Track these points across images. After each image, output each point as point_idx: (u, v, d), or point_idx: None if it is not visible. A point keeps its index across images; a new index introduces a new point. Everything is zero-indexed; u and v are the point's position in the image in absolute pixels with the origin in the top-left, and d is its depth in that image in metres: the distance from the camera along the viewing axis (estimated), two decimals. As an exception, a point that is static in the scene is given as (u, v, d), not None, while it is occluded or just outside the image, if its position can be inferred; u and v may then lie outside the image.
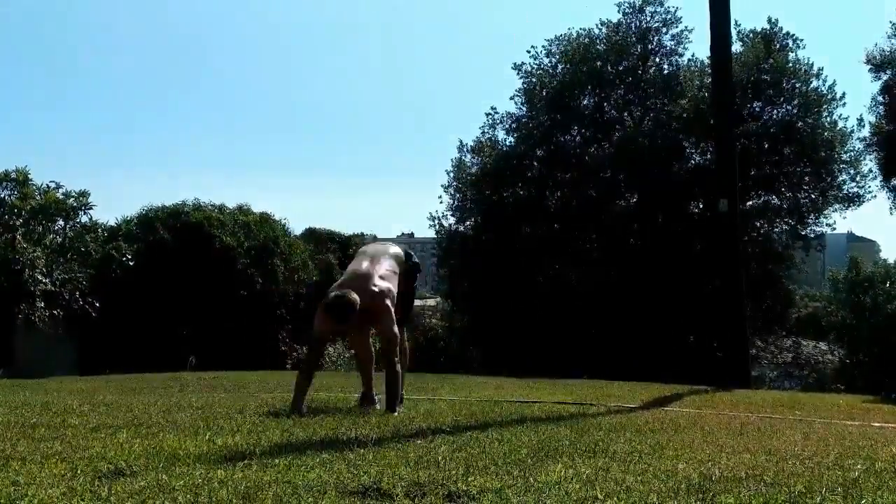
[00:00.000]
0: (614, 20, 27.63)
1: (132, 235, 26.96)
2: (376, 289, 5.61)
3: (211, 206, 28.68)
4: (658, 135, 25.63)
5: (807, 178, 25.70)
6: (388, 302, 5.63)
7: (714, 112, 14.99)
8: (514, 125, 28.04)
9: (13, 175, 22.98)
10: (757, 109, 25.93)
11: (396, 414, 5.45)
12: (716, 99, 13.85)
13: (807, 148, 24.90)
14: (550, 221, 26.40)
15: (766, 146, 25.47)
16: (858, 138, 25.16)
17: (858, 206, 25.56)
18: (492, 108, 28.18)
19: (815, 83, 25.40)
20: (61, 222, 24.23)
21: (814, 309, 32.27)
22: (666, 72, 27.67)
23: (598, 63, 27.37)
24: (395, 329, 5.69)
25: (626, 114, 28.02)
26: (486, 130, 28.28)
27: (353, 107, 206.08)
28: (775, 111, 25.91)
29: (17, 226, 22.77)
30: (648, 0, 27.35)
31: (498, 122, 28.16)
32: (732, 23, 16.52)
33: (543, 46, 27.85)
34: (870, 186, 25.27)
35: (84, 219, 24.44)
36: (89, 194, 24.06)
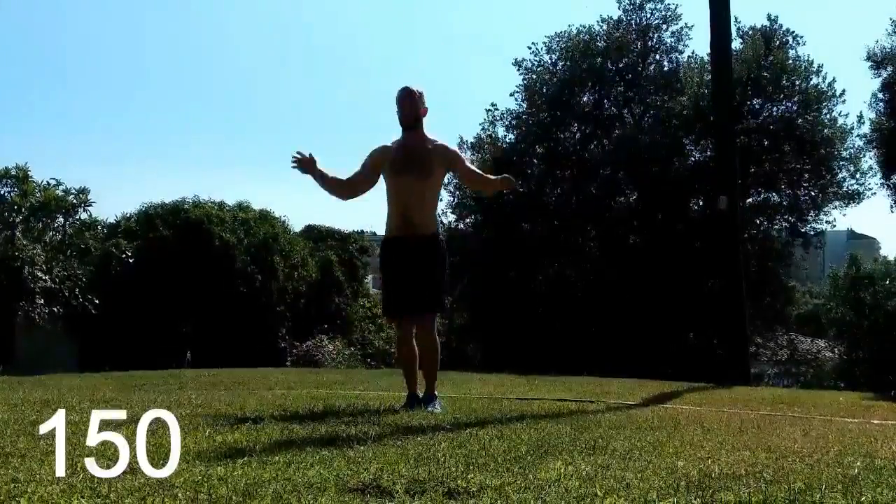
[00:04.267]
0: (615, 17, 27.68)
1: (132, 232, 26.97)
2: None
3: (211, 203, 28.67)
4: (658, 132, 25.63)
5: (806, 176, 25.72)
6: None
7: (714, 109, 14.99)
8: (513, 122, 28.06)
9: (13, 172, 22.99)
10: (757, 106, 25.94)
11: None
12: (716, 96, 13.85)
13: (807, 145, 24.91)
14: (550, 219, 26.43)
15: (766, 143, 25.48)
16: (858, 135, 25.18)
17: (858, 203, 25.59)
18: (492, 105, 28.25)
19: (814, 80, 25.44)
20: (61, 219, 24.27)
21: (814, 306, 32.30)
22: (666, 69, 27.69)
23: (598, 60, 27.37)
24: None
25: (625, 111, 28.03)
26: (486, 127, 28.32)
27: (353, 103, 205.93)
28: (775, 108, 25.93)
29: (17, 223, 22.79)
30: (649, -3, 27.38)
31: (498, 118, 28.20)
32: (732, 20, 16.51)
33: (544, 43, 27.91)
34: (870, 183, 25.30)
35: (84, 216, 24.51)
36: (89, 191, 24.11)
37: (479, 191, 5.95)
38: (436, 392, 5.23)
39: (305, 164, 5.06)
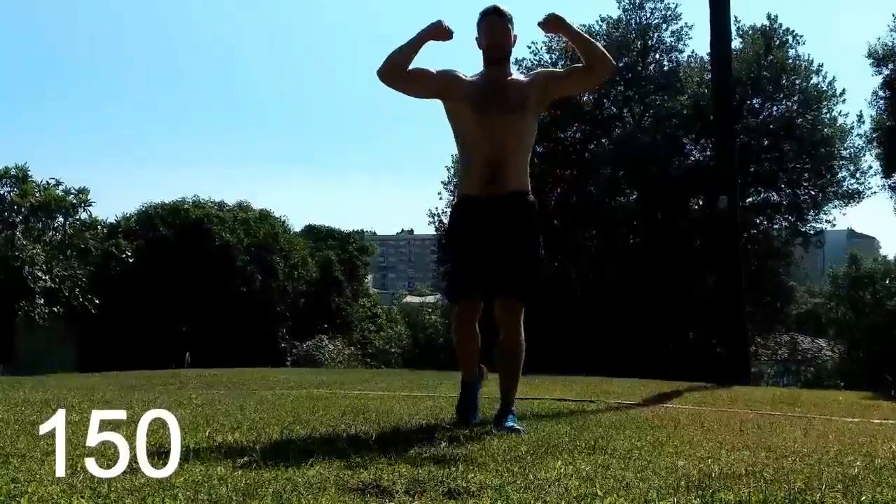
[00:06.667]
0: (614, 16, 27.68)
1: (132, 232, 26.99)
2: None
3: (211, 202, 28.71)
4: (658, 131, 25.62)
5: (806, 175, 25.72)
6: None
7: (714, 108, 14.97)
8: (513, 121, 28.04)
9: (13, 172, 23.00)
10: (757, 106, 25.95)
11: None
12: (716, 95, 13.83)
13: (806, 144, 24.91)
14: (550, 218, 26.40)
15: (766, 143, 25.49)
16: (858, 134, 25.19)
17: (858, 202, 25.58)
18: (492, 105, 28.18)
19: (814, 79, 25.44)
20: (61, 219, 24.27)
21: (814, 305, 32.34)
22: (666, 68, 27.68)
23: (598, 59, 27.36)
24: None
25: (625, 110, 28.01)
26: (486, 126, 28.30)
27: (354, 103, 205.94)
28: (775, 107, 25.94)
29: (17, 223, 22.80)
30: (648, -4, 27.38)
31: (498, 118, 28.17)
32: (732, 19, 16.51)
33: (544, 42, 27.87)
34: (870, 183, 25.30)
35: (84, 216, 24.52)
36: (89, 191, 24.15)
37: (590, 75, 4.28)
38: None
39: (445, 34, 4.10)
